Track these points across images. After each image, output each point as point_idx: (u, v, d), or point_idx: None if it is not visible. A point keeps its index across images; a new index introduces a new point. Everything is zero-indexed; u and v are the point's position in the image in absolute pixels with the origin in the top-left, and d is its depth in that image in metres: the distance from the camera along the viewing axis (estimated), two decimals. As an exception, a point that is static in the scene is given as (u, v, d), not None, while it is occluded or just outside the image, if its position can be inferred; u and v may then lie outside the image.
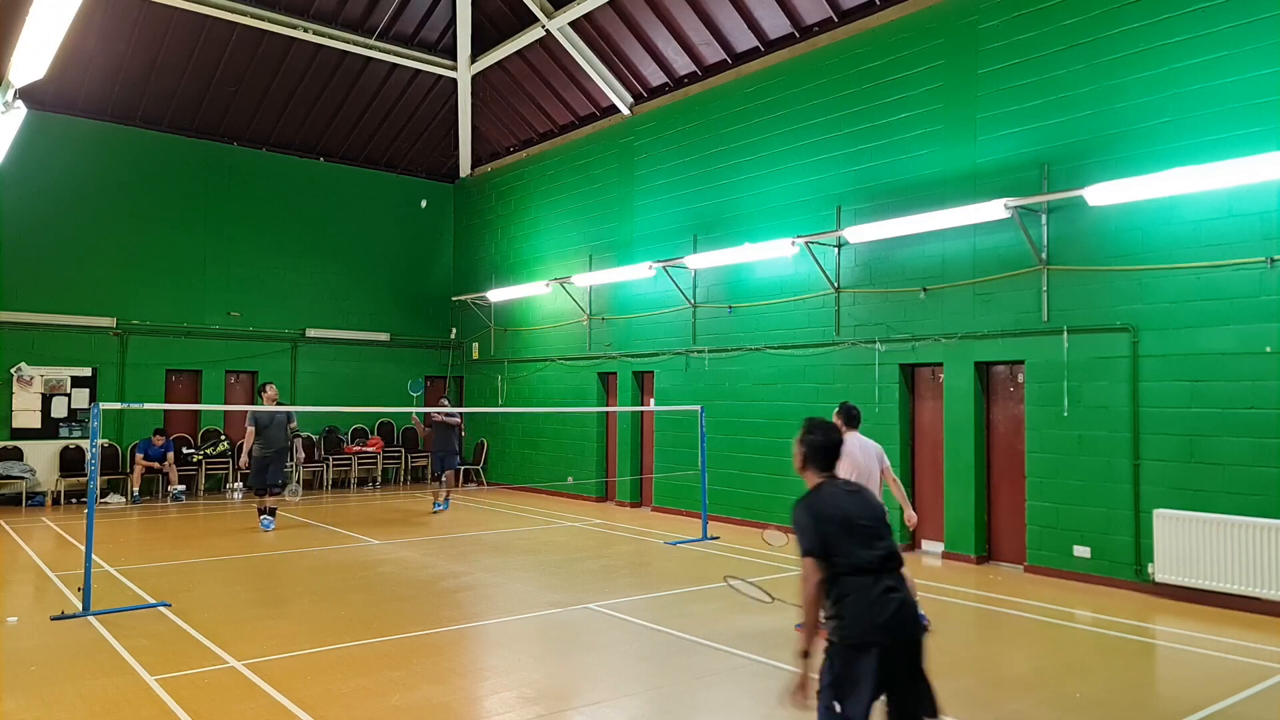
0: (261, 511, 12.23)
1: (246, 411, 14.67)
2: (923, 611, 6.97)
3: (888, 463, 7.20)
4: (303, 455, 12.53)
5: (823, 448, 3.83)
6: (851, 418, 7.17)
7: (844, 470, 6.15)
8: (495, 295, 17.56)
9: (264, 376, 17.23)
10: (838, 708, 3.48)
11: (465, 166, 19.68)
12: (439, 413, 14.02)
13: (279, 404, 12.48)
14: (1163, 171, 8.19)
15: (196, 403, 16.85)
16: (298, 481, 16.32)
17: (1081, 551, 9.08)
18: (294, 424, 12.54)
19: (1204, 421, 8.28)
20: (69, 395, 15.36)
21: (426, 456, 15.81)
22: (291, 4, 15.46)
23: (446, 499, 14.27)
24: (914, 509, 7.55)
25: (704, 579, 9.13)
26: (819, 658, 3.60)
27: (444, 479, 14.16)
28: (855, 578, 3.59)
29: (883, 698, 3.55)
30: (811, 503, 3.71)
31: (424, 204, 19.13)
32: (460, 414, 14.38)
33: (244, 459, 12.56)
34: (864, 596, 3.56)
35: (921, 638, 3.67)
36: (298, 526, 12.54)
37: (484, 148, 19.21)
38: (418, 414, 15.09)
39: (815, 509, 3.67)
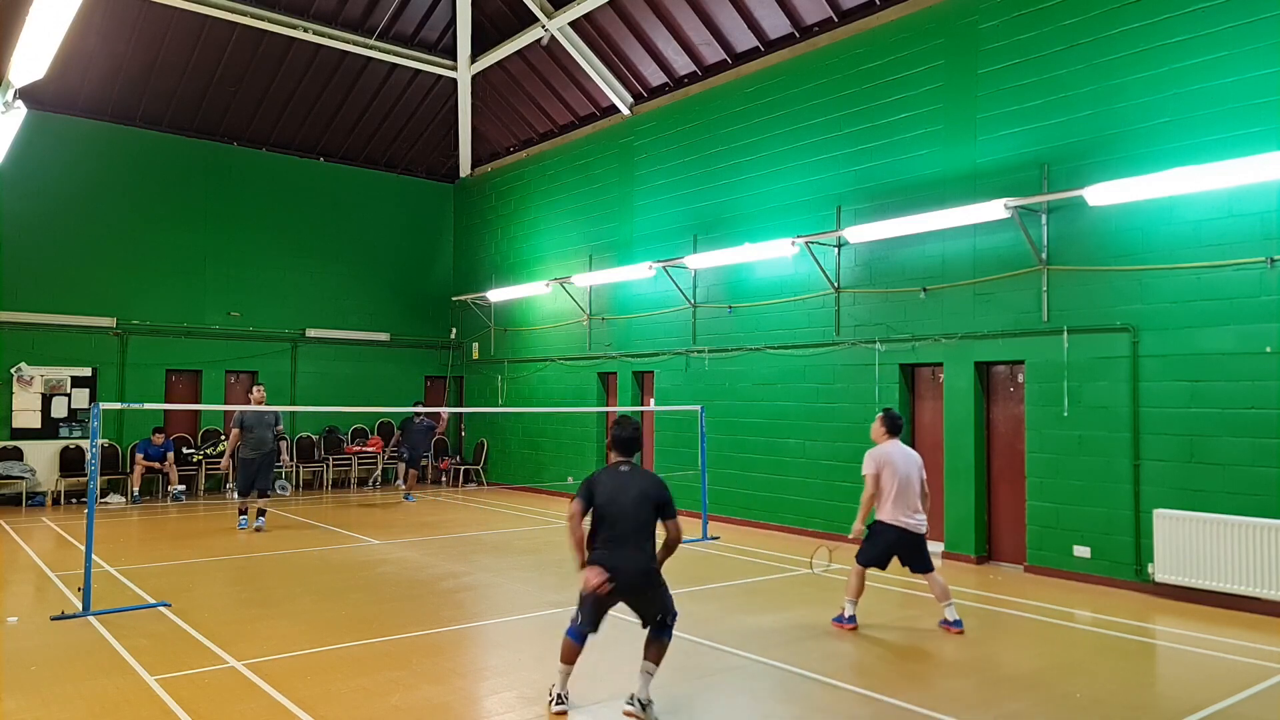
0: (242, 512, 12.22)
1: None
2: (957, 616, 6.98)
3: (924, 474, 7.43)
4: (285, 459, 12.47)
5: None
6: (894, 426, 7.39)
7: (886, 478, 7.36)
8: (495, 295, 17.56)
9: (264, 377, 17.26)
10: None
11: (465, 166, 19.68)
12: (418, 417, 15.44)
13: (266, 405, 12.41)
14: (1163, 171, 8.19)
15: (196, 403, 16.85)
16: (287, 479, 16.49)
17: (1081, 551, 9.08)
18: (279, 426, 12.40)
19: (1204, 421, 8.28)
20: (69, 395, 15.37)
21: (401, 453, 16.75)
22: (291, 4, 15.46)
23: (411, 493, 15.74)
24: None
25: (704, 579, 9.13)
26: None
27: (409, 475, 15.83)
28: None
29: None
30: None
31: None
32: (435, 415, 15.32)
33: (225, 461, 12.51)
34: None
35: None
36: (298, 527, 12.54)
37: (484, 148, 19.21)
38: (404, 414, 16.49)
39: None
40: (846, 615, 7.27)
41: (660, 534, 5.54)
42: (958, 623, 7.15)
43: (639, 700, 5.19)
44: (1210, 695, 5.64)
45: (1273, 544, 7.66)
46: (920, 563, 7.27)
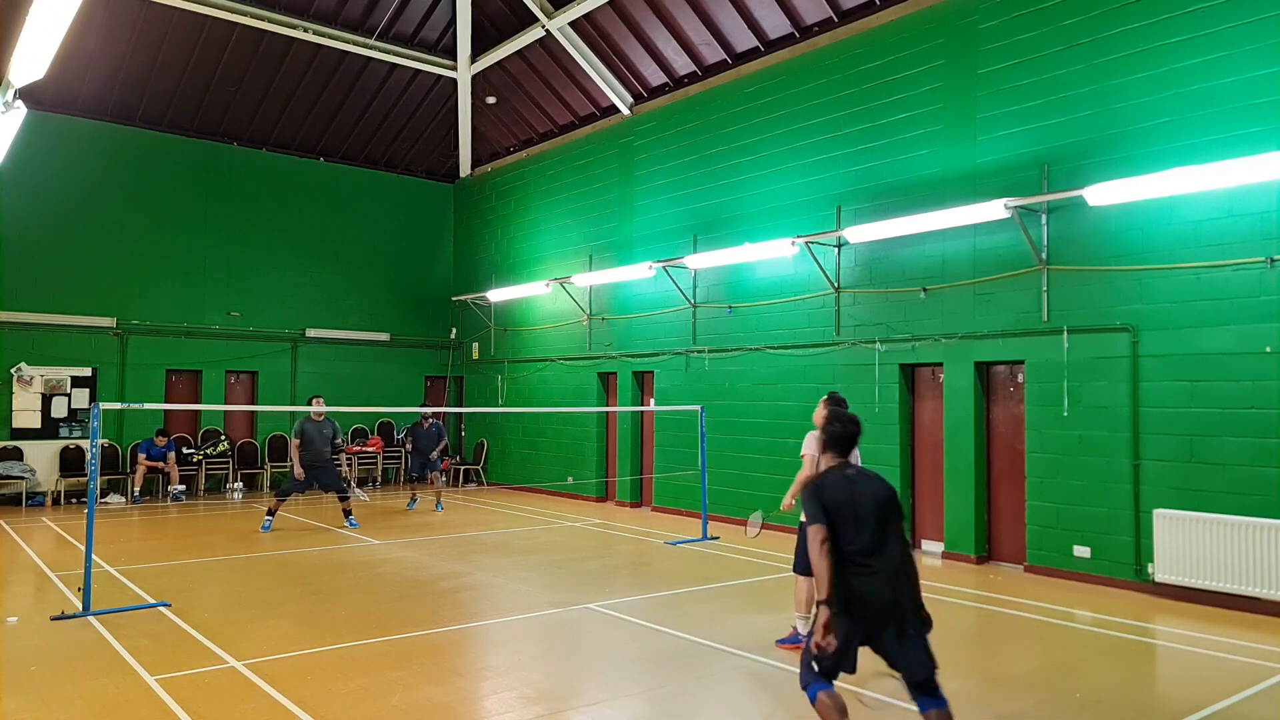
0: (270, 513, 12.26)
1: (247, 412, 14.97)
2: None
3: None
4: (344, 469, 12.53)
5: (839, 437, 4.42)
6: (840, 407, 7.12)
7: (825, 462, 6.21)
8: (495, 295, 17.56)
9: (264, 376, 17.28)
10: None
11: (465, 166, 19.68)
12: (426, 420, 14.61)
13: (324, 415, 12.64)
14: (1163, 171, 8.18)
15: (196, 403, 16.85)
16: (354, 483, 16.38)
17: (1081, 551, 9.08)
18: (339, 439, 12.76)
19: (1204, 421, 8.28)
20: (69, 395, 15.37)
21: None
22: (291, 4, 15.46)
23: (434, 500, 14.90)
24: (913, 509, 7.50)
25: (704, 579, 9.13)
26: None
27: (432, 480, 14.80)
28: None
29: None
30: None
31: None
32: (441, 417, 14.83)
33: (298, 469, 12.39)
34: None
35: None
36: (298, 527, 12.54)
37: (484, 148, 19.21)
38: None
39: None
40: (800, 634, 6.78)
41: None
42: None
43: None
44: (1210, 695, 5.64)
45: (1273, 544, 7.66)
46: None
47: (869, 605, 4.08)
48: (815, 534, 4.18)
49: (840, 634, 4.05)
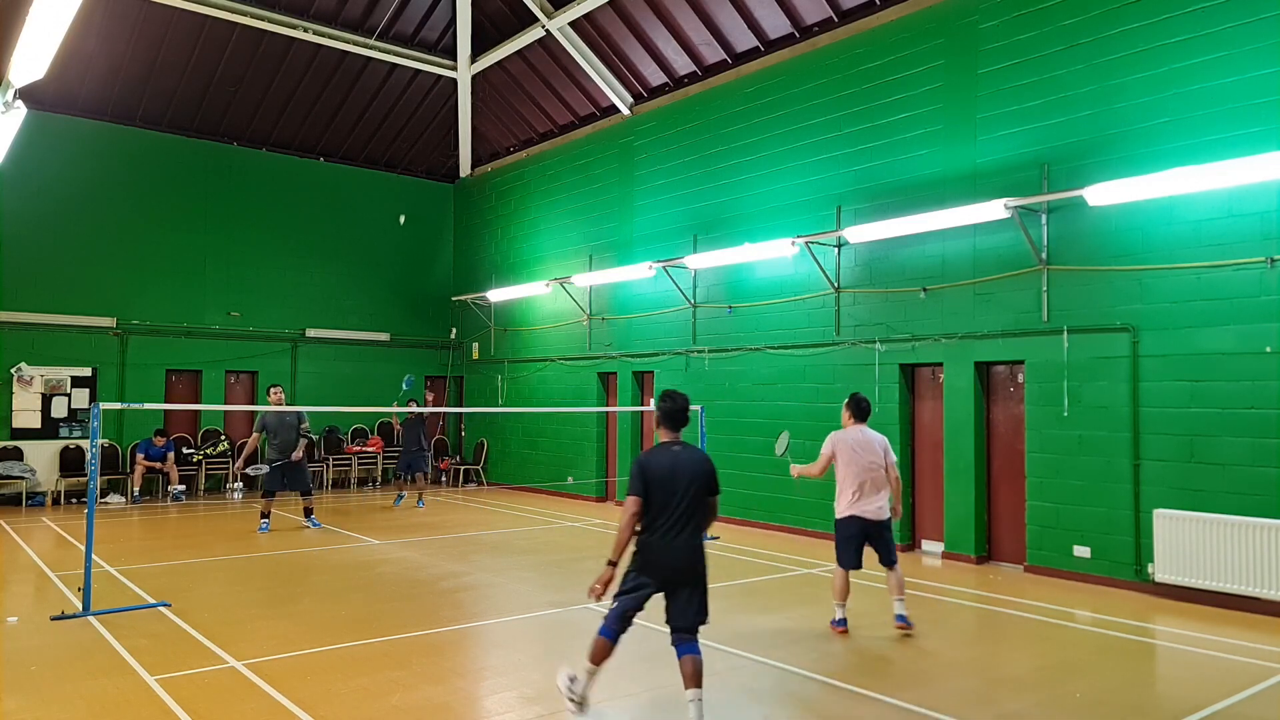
0: (264, 515, 12.05)
1: (247, 411, 14.91)
2: (905, 612, 6.89)
3: (893, 457, 7.29)
4: (299, 455, 12.23)
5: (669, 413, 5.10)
6: (859, 410, 7.30)
7: (840, 464, 7.17)
8: (495, 295, 17.56)
9: (264, 376, 17.24)
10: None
11: (465, 166, 19.68)
12: (410, 413, 14.67)
13: (285, 405, 12.36)
14: (1163, 171, 8.18)
15: (196, 403, 16.84)
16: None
17: (1081, 551, 9.08)
18: (305, 424, 12.41)
19: (1204, 421, 8.28)
20: (69, 395, 15.37)
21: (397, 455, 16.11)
22: (291, 4, 15.46)
23: (420, 498, 14.98)
24: (913, 509, 7.53)
25: (704, 579, 9.12)
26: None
27: (416, 479, 14.82)
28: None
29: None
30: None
31: (402, 220, 18.79)
32: (422, 411, 14.76)
33: (240, 463, 12.43)
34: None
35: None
36: (298, 527, 12.54)
37: (484, 148, 19.21)
38: (399, 414, 15.65)
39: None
40: (836, 619, 7.15)
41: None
42: (903, 618, 7.01)
43: None
44: (1210, 695, 5.64)
45: (1273, 544, 7.66)
46: (882, 551, 7.14)
47: (668, 567, 4.91)
48: (630, 505, 4.90)
49: (633, 586, 4.98)
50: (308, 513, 12.53)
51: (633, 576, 5.01)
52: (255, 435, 12.31)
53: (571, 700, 5.14)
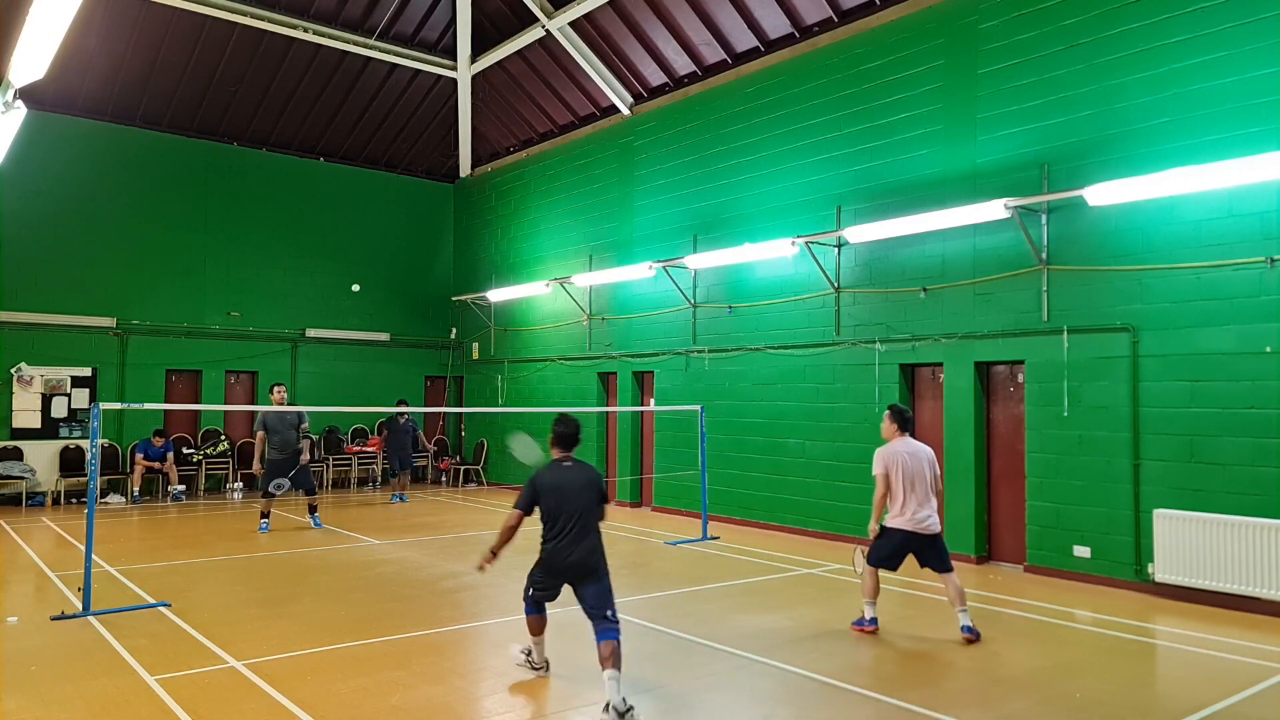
0: (264, 515, 12.05)
1: (248, 412, 14.93)
2: (969, 623, 6.71)
3: (937, 469, 7.21)
4: (307, 457, 12.35)
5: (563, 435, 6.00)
6: (903, 422, 7.19)
7: (895, 478, 7.10)
8: (495, 295, 17.56)
9: (264, 376, 17.25)
10: None
11: (465, 166, 19.68)
12: (402, 417, 15.71)
13: (287, 405, 12.42)
14: (1163, 171, 8.18)
15: (196, 403, 16.85)
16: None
17: (1081, 551, 9.08)
18: (305, 424, 12.46)
19: (1204, 421, 8.28)
20: (69, 395, 15.37)
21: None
22: (291, 4, 15.46)
23: (404, 494, 15.90)
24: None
25: (704, 579, 9.13)
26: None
27: (401, 477, 15.86)
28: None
29: None
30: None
31: (356, 288, 18.28)
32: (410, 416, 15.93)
33: (256, 464, 12.29)
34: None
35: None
36: (298, 527, 12.54)
37: (484, 148, 19.21)
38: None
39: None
40: (866, 618, 7.10)
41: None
42: (969, 629, 6.87)
43: (614, 708, 5.03)
44: (1210, 695, 5.64)
45: (1273, 544, 7.66)
46: (936, 562, 7.03)
47: (564, 565, 5.55)
48: (511, 518, 5.69)
49: (542, 580, 5.74)
50: (312, 510, 12.62)
51: (538, 575, 5.76)
52: (259, 434, 12.25)
53: (533, 668, 5.94)
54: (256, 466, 12.30)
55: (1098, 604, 8.16)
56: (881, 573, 7.20)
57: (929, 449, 7.19)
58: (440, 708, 5.39)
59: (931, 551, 7.03)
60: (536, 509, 5.67)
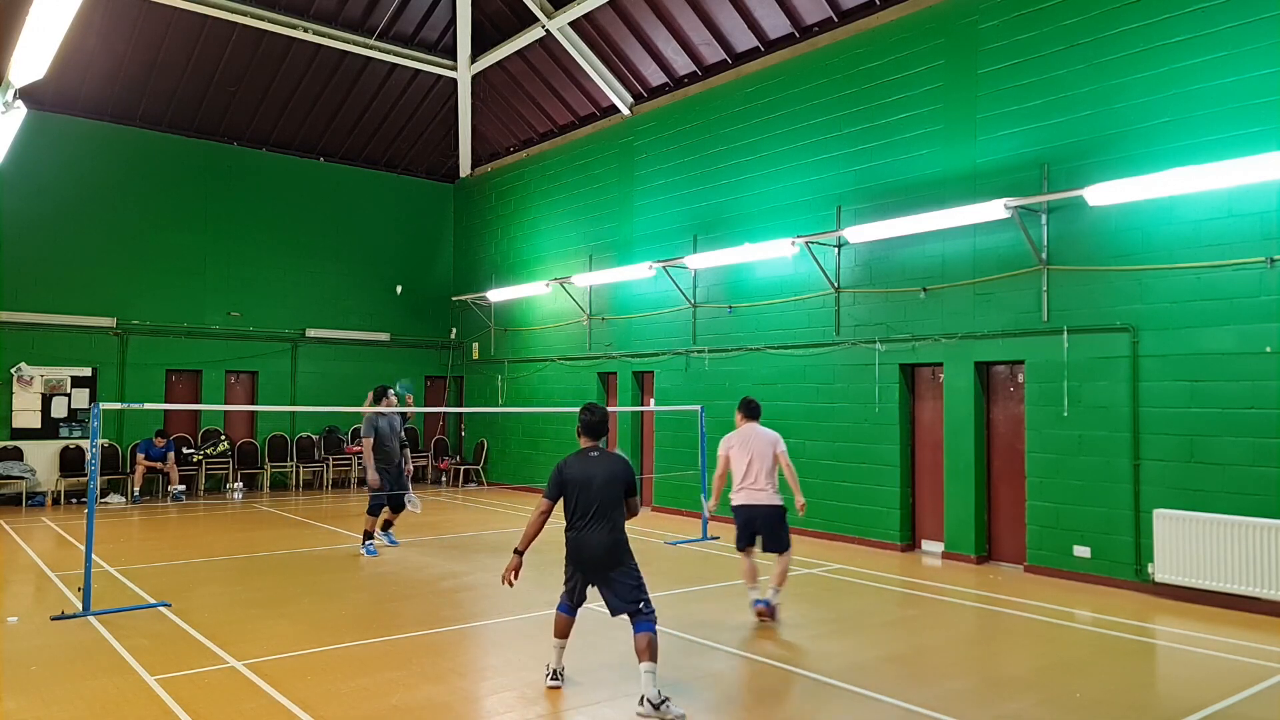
0: (368, 536, 10.53)
1: (247, 412, 14.68)
2: (773, 600, 7.13)
3: (783, 448, 7.68)
4: (410, 469, 11.00)
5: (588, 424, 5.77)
6: (748, 411, 7.84)
7: (733, 458, 7.60)
8: (495, 295, 17.56)
9: (264, 376, 17.25)
10: None
11: (465, 166, 19.68)
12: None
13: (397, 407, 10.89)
14: (1163, 171, 8.18)
15: (196, 403, 16.85)
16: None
17: (1081, 551, 9.08)
18: (408, 425, 11.69)
19: (1204, 421, 8.28)
20: (69, 395, 15.37)
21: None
22: (291, 4, 15.46)
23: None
24: (913, 509, 7.61)
25: (704, 579, 9.13)
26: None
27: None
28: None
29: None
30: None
31: (399, 290, 18.82)
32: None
33: (372, 475, 10.40)
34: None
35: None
36: (298, 526, 12.54)
37: (484, 148, 19.21)
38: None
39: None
40: (752, 601, 7.47)
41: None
42: (764, 603, 7.31)
43: (649, 701, 5.16)
44: (1210, 695, 5.64)
45: (1273, 544, 7.66)
46: (770, 540, 7.51)
47: (590, 557, 5.48)
48: (539, 505, 5.59)
49: (570, 573, 5.64)
50: (387, 525, 11.09)
51: (568, 569, 5.67)
52: (367, 441, 10.45)
53: (549, 680, 5.76)
54: (372, 477, 10.40)
55: (1098, 604, 8.16)
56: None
57: (773, 434, 7.69)
58: (440, 708, 5.39)
59: (768, 529, 7.50)
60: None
